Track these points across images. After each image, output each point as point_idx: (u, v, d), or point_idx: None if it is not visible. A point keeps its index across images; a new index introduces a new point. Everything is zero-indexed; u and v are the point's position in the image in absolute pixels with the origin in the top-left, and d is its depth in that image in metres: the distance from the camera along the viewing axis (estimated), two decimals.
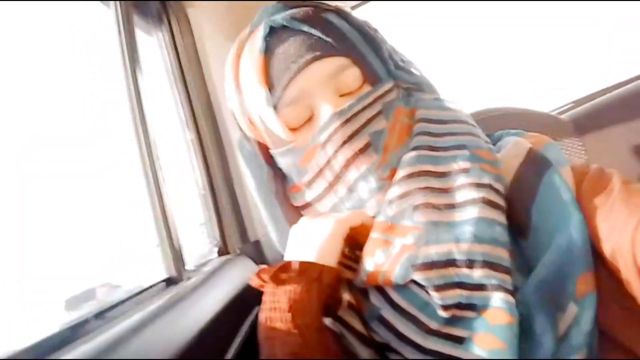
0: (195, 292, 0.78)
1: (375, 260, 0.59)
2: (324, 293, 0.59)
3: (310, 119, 0.66)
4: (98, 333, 0.60)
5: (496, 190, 0.59)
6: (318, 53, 0.64)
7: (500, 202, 0.59)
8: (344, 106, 0.63)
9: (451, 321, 0.55)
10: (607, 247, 0.55)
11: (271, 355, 0.57)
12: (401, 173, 0.61)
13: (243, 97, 0.69)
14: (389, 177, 0.62)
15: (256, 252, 1.12)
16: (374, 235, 0.61)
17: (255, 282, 0.63)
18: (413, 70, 0.72)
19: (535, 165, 0.62)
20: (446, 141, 0.63)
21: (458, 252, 0.55)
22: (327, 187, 0.65)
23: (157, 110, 1.01)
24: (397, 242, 0.58)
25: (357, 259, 0.64)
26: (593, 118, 1.17)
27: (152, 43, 1.16)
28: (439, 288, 0.55)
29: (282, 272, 0.60)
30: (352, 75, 0.65)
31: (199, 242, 1.13)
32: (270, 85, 0.65)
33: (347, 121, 0.62)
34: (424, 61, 0.76)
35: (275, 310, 0.58)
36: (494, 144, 0.68)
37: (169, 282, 0.86)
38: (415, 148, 0.62)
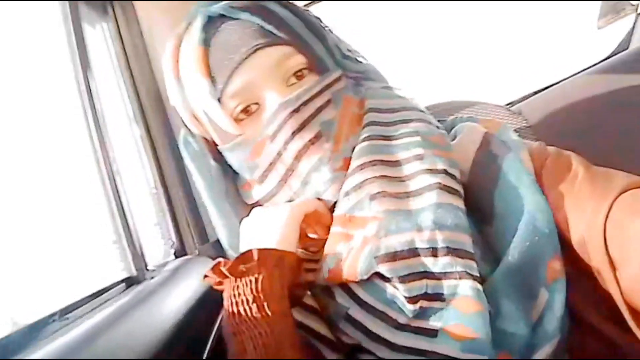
0: (162, 290, 0.74)
1: (337, 256, 0.57)
2: (286, 279, 0.57)
3: (257, 111, 0.64)
4: (61, 334, 0.55)
5: (451, 176, 0.58)
6: (261, 42, 0.61)
7: (457, 187, 0.58)
8: (291, 95, 0.61)
9: (420, 314, 0.54)
10: (575, 235, 0.55)
11: (241, 352, 0.54)
12: (355, 163, 0.60)
13: (185, 91, 0.66)
14: (342, 167, 0.61)
15: (216, 253, 1.08)
16: (334, 229, 0.59)
17: (210, 279, 0.59)
18: (360, 59, 0.71)
19: (493, 150, 0.62)
20: (398, 129, 0.62)
21: (420, 240, 0.54)
22: (280, 182, 0.63)
23: (104, 106, 0.95)
24: (357, 234, 0.57)
25: (315, 259, 0.62)
26: (541, 109, 1.21)
27: (96, 35, 1.10)
28: (404, 279, 0.54)
29: (240, 264, 0.57)
30: (298, 63, 0.63)
31: (153, 243, 1.07)
32: (212, 78, 0.62)
33: (296, 111, 0.61)
34: (376, 55, 0.75)
35: (239, 304, 0.55)
36: (447, 131, 0.68)
37: (130, 281, 0.81)
38: (366, 138, 0.61)
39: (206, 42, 0.63)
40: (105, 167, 0.86)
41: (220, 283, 0.58)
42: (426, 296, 0.54)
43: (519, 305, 0.54)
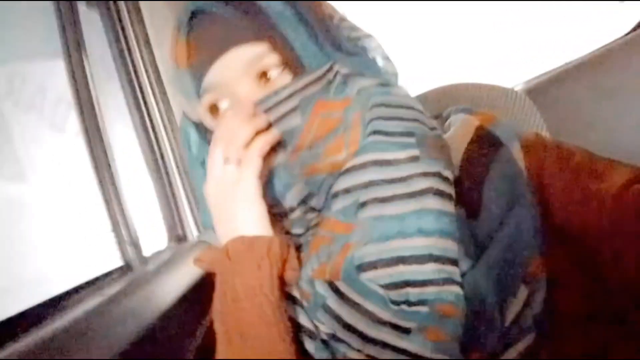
0: (156, 278, 0.74)
1: (320, 258, 0.57)
2: (276, 266, 0.56)
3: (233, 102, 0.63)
4: (54, 319, 0.57)
5: (445, 178, 0.57)
6: (235, 40, 0.61)
7: (449, 190, 0.57)
8: (255, 101, 0.60)
9: (400, 313, 0.53)
10: (575, 226, 0.55)
11: (227, 343, 0.54)
12: (350, 163, 0.58)
13: (180, 78, 0.66)
14: (302, 174, 0.60)
15: (216, 239, 1.08)
16: (319, 231, 0.59)
17: (201, 264, 0.60)
18: (359, 50, 0.68)
19: (484, 145, 0.61)
20: (395, 126, 0.60)
21: (403, 247, 0.54)
22: None
23: (102, 94, 0.96)
24: (339, 238, 0.56)
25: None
26: (551, 90, 1.18)
27: (93, 18, 1.09)
28: (386, 287, 0.53)
29: (229, 253, 0.56)
30: (272, 62, 0.61)
31: (154, 230, 1.07)
32: (193, 72, 0.63)
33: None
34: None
35: (227, 294, 0.55)
36: (444, 122, 0.68)
37: (126, 268, 0.82)
38: (370, 134, 0.59)
39: (189, 36, 0.63)
40: (101, 154, 0.86)
41: (210, 268, 0.59)
42: (409, 302, 0.53)
43: (497, 302, 0.53)
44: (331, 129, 0.61)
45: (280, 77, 0.62)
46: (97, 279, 0.75)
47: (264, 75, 0.62)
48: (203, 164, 0.68)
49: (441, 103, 1.10)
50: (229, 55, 0.60)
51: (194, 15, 0.64)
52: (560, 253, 0.56)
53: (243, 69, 0.61)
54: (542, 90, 1.18)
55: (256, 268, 0.55)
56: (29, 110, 0.87)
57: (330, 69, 0.64)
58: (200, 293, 0.75)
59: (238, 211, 0.59)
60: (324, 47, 0.64)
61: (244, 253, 0.56)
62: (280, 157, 0.60)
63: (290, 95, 0.61)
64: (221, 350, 0.55)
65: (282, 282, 0.58)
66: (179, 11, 0.66)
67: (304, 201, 0.62)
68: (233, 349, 0.54)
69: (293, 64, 0.62)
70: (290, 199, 0.61)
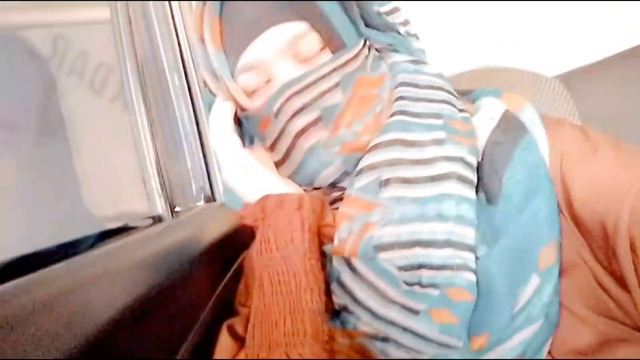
0: (186, 228, 0.77)
1: (340, 235, 0.58)
2: (306, 220, 0.57)
3: (269, 85, 0.63)
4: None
5: (468, 164, 0.58)
6: (273, 19, 0.59)
7: (471, 176, 0.58)
8: (296, 77, 0.60)
9: (410, 294, 0.54)
10: (594, 216, 0.54)
11: (259, 288, 0.56)
12: (375, 140, 0.59)
13: (209, 55, 0.65)
14: (340, 150, 0.60)
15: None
16: (340, 208, 0.60)
17: (244, 219, 0.60)
18: (389, 25, 0.67)
19: (509, 130, 0.61)
20: (422, 107, 0.61)
21: (421, 231, 0.54)
22: (285, 154, 0.63)
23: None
24: (360, 218, 0.57)
25: None
26: (591, 80, 1.16)
27: None
28: (402, 268, 0.54)
29: (264, 207, 0.58)
30: (311, 41, 0.61)
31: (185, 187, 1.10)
32: (227, 50, 0.62)
33: (298, 93, 0.59)
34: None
35: (261, 244, 0.56)
36: (472, 103, 0.67)
37: (158, 220, 0.85)
38: (394, 113, 0.60)
39: (222, 13, 0.62)
40: (144, 110, 0.88)
41: (254, 222, 0.59)
42: (422, 284, 0.54)
43: (508, 288, 0.54)
44: (369, 106, 0.61)
45: (319, 56, 0.61)
46: (128, 228, 0.79)
47: (305, 52, 0.61)
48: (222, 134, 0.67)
49: (473, 85, 1.09)
50: (267, 35, 0.59)
51: None
52: (576, 243, 0.56)
53: (282, 49, 0.60)
54: (574, 81, 1.16)
55: (287, 222, 0.56)
56: (70, 73, 0.90)
57: (364, 45, 0.64)
58: (226, 250, 0.78)
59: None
60: (357, 23, 0.64)
61: (276, 209, 0.57)
62: (318, 135, 0.61)
63: (331, 72, 0.60)
64: (254, 295, 0.56)
65: (320, 237, 0.59)
66: None
67: (334, 183, 0.63)
68: (263, 295, 0.55)
69: (333, 41, 0.62)
70: (324, 178, 0.62)
